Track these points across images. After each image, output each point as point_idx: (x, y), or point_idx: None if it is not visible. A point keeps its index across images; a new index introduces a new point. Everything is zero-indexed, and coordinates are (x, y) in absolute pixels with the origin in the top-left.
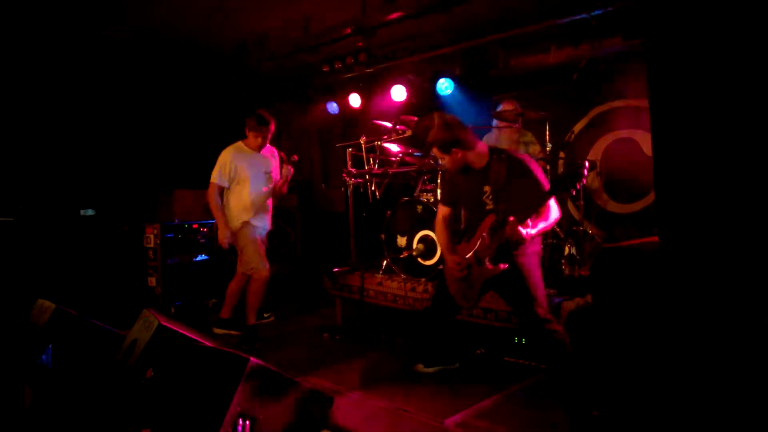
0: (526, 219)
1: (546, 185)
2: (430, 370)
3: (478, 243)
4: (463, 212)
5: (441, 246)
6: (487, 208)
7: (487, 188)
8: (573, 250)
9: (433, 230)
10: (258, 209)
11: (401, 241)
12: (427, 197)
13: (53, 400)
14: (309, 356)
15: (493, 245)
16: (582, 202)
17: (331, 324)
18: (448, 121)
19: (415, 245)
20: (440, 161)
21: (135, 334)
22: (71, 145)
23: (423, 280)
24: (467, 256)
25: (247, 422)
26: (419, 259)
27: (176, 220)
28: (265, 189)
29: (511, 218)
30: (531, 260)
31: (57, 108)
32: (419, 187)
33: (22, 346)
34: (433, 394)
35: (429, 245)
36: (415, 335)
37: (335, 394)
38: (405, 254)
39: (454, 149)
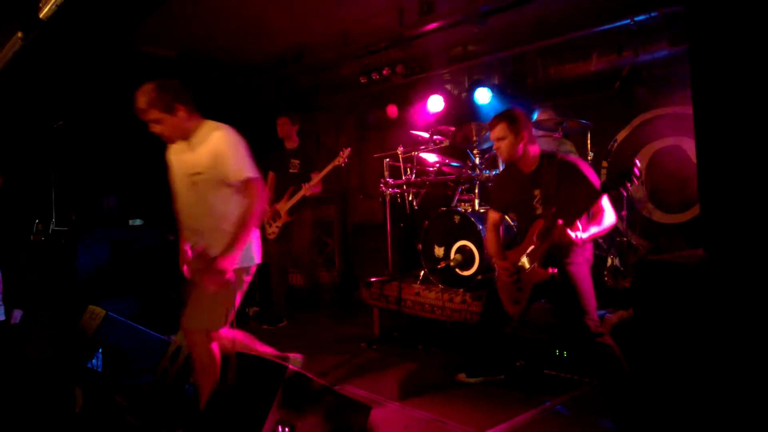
0: (575, 221)
1: (597, 185)
2: (473, 380)
3: (529, 248)
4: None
5: (491, 251)
6: (537, 212)
7: (536, 192)
8: (616, 262)
9: (470, 240)
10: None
11: (438, 251)
12: (464, 207)
13: (103, 402)
14: (346, 365)
15: (542, 250)
16: (626, 212)
17: (368, 334)
18: (523, 112)
19: (452, 255)
20: (495, 144)
21: (179, 341)
22: (122, 159)
23: (461, 290)
24: (516, 261)
25: (287, 429)
26: (456, 270)
27: None
28: None
29: (560, 221)
30: (581, 269)
31: (108, 123)
32: (456, 197)
33: (74, 350)
34: (471, 405)
35: (466, 255)
36: (452, 346)
37: (372, 403)
38: (442, 264)
39: (522, 133)
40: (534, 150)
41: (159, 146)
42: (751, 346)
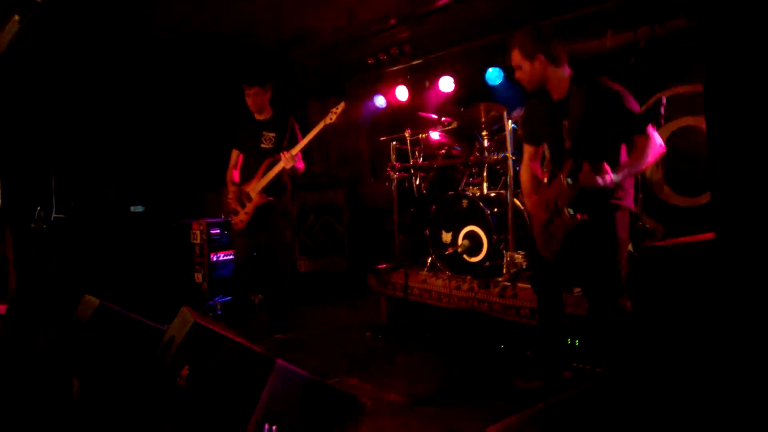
0: (602, 161)
1: (642, 116)
2: (531, 384)
3: (558, 190)
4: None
5: (523, 189)
6: (566, 146)
7: (566, 123)
8: (630, 247)
9: (478, 225)
10: None
11: (446, 237)
12: (472, 191)
13: (98, 392)
14: (350, 355)
15: (571, 193)
16: (641, 195)
17: (375, 321)
18: (542, 28)
19: (460, 241)
20: (516, 71)
21: (173, 332)
22: (122, 144)
23: (468, 277)
24: (546, 200)
25: (274, 427)
26: (464, 256)
27: (222, 217)
28: None
29: (586, 162)
30: (611, 220)
31: (108, 108)
32: (464, 180)
33: (69, 341)
34: (477, 399)
35: (475, 241)
36: (461, 334)
37: (371, 397)
38: (450, 251)
39: (540, 55)
40: (562, 73)
41: (159, 132)
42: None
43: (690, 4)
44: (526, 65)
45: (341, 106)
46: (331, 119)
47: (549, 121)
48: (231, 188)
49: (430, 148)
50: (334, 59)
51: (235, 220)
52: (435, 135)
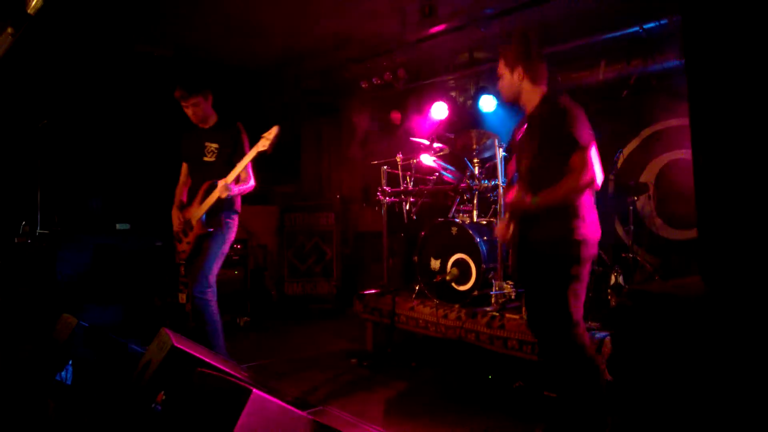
0: (545, 180)
1: (578, 139)
2: None
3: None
4: None
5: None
6: (522, 165)
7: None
8: (620, 279)
9: (467, 254)
10: None
11: (435, 264)
12: (462, 218)
13: (73, 415)
14: (334, 382)
15: (508, 214)
16: (632, 227)
17: (361, 348)
18: (530, 44)
19: (449, 269)
20: (498, 77)
21: (150, 354)
22: (109, 160)
23: (456, 306)
24: (504, 218)
25: None
26: (453, 284)
27: None
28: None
29: (519, 183)
30: (541, 244)
31: (95, 123)
32: (454, 207)
33: (45, 360)
34: (461, 430)
35: (463, 269)
36: (448, 364)
37: (352, 427)
38: (438, 278)
39: (519, 68)
40: (537, 90)
41: (148, 149)
42: (756, 395)
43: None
44: (506, 75)
45: (273, 131)
46: (264, 146)
47: (519, 136)
48: (174, 213)
49: (421, 173)
50: (328, 82)
51: (179, 248)
52: (427, 160)
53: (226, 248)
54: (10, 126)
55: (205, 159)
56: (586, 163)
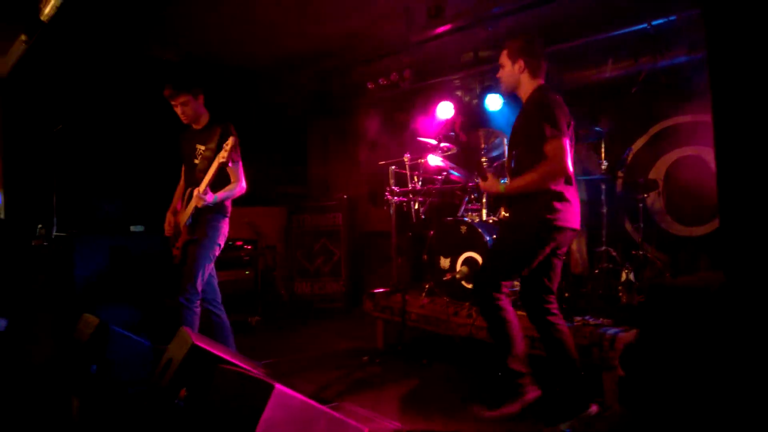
0: (514, 169)
1: (547, 130)
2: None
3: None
4: None
5: None
6: (510, 153)
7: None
8: (631, 276)
9: (477, 252)
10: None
11: (444, 262)
12: (471, 217)
13: (97, 413)
14: (346, 380)
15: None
16: (642, 224)
17: (371, 346)
18: (534, 41)
19: (458, 267)
20: (499, 70)
21: (171, 353)
22: (124, 162)
23: (466, 304)
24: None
25: None
26: (463, 282)
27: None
28: None
29: (491, 171)
30: (512, 234)
31: (110, 126)
32: (463, 206)
33: (68, 359)
34: (473, 426)
35: (473, 268)
36: (459, 361)
37: (369, 421)
38: (448, 277)
39: (521, 60)
40: (533, 82)
41: (161, 151)
42: None
43: (691, 35)
44: (508, 65)
45: (230, 141)
46: (223, 157)
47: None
48: (168, 217)
49: (429, 173)
50: (334, 83)
51: (173, 252)
52: (434, 160)
53: (215, 252)
54: (26, 131)
55: (195, 162)
56: (554, 153)
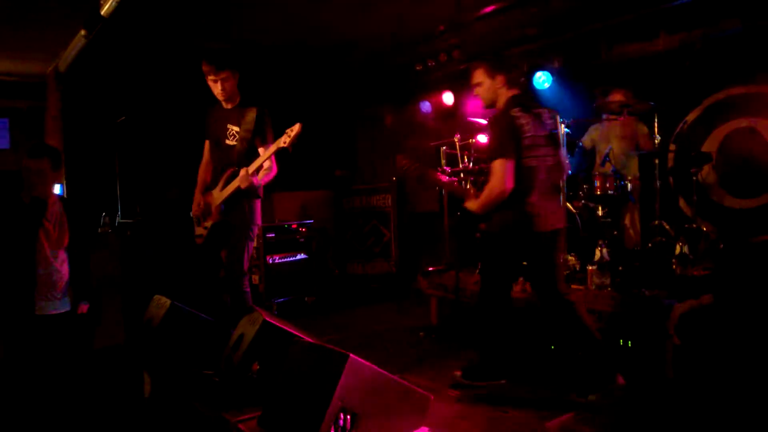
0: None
1: (492, 150)
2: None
3: None
4: None
5: None
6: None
7: None
8: (685, 249)
9: None
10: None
11: None
12: None
13: (170, 389)
14: (405, 355)
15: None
16: (695, 197)
17: (426, 323)
18: (504, 58)
19: None
20: (475, 88)
21: (242, 330)
22: (183, 150)
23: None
24: None
25: (348, 417)
26: None
27: (276, 221)
28: None
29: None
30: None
31: (169, 115)
32: None
33: (141, 339)
34: (532, 396)
35: None
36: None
37: (432, 392)
38: None
39: (499, 75)
40: (508, 93)
41: None
42: None
43: (745, 4)
44: (487, 82)
45: (296, 128)
46: (284, 142)
47: None
48: (197, 195)
49: (479, 152)
50: (382, 66)
51: (197, 231)
52: (485, 139)
53: (253, 233)
54: (87, 124)
55: (227, 142)
56: (493, 172)
